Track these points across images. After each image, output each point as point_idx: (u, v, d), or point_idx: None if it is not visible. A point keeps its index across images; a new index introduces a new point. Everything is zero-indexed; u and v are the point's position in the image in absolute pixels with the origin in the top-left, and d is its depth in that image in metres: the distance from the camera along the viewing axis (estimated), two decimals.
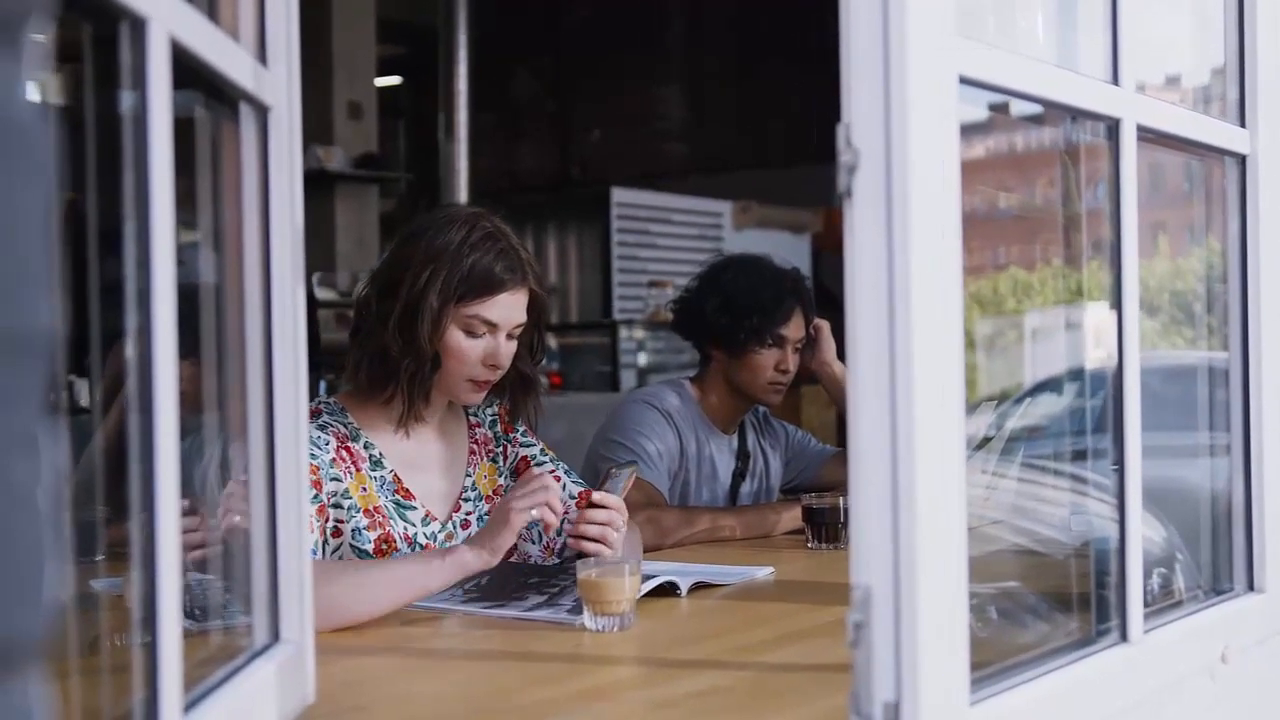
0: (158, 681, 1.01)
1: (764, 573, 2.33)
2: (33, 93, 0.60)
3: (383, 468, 2.20)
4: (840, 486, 2.91)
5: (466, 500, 2.31)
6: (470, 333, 2.17)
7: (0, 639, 0.54)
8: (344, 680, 1.60)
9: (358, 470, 2.17)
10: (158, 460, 1.01)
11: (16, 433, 0.55)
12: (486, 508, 2.32)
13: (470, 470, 2.33)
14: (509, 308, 2.19)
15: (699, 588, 2.16)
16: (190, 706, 1.10)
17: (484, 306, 2.16)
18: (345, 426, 2.20)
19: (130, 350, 1.02)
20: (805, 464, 3.21)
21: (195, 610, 1.35)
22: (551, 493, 2.00)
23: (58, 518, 0.59)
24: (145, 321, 1.01)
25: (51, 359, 0.59)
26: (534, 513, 1.97)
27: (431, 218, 2.23)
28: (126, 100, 1.02)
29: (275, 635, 1.37)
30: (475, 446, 2.36)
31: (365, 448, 2.20)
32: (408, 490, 2.22)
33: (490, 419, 2.40)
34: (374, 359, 2.18)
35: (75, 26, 0.97)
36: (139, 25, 1.00)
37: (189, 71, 1.12)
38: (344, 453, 2.16)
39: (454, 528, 2.27)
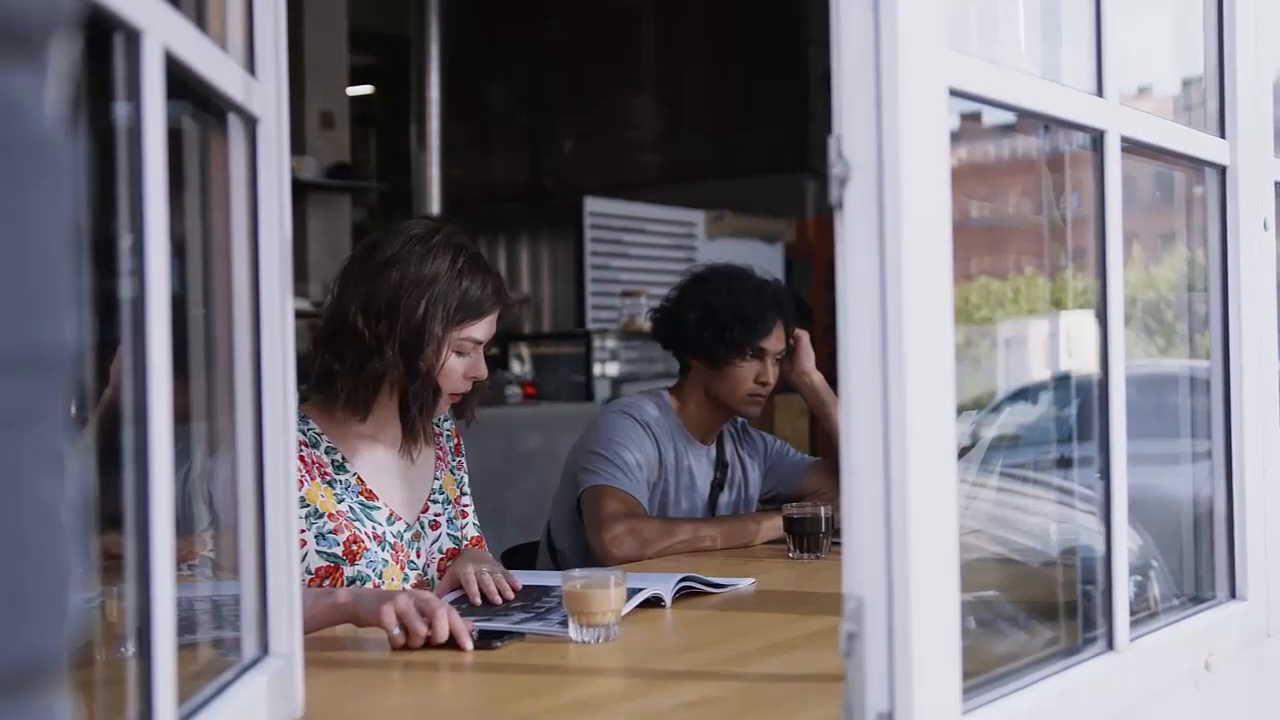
0: (152, 695, 1.01)
1: (746, 583, 2.33)
2: (57, 106, 0.59)
3: (346, 471, 2.25)
4: (819, 496, 2.92)
5: (435, 502, 2.37)
6: (460, 353, 2.25)
7: (28, 656, 0.54)
8: (332, 694, 1.59)
9: (313, 479, 2.20)
10: (151, 473, 1.00)
11: (43, 449, 0.55)
12: (453, 511, 2.40)
13: (438, 474, 2.40)
14: (492, 324, 2.30)
15: (685, 594, 2.17)
16: None
17: (477, 328, 2.26)
18: (304, 433, 2.23)
19: (124, 362, 1.01)
20: (784, 474, 3.21)
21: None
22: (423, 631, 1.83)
23: (80, 534, 0.58)
24: (139, 333, 1.01)
25: (72, 375, 0.58)
26: (395, 631, 1.81)
27: (404, 239, 2.23)
28: (120, 111, 1.02)
29: (265, 649, 1.36)
30: (440, 453, 2.43)
31: (327, 453, 2.24)
32: (371, 491, 2.26)
33: (446, 434, 2.47)
34: (372, 383, 2.22)
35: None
36: (134, 37, 1.00)
37: (178, 82, 1.11)
38: (299, 460, 2.18)
39: (422, 527, 2.33)
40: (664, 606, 2.10)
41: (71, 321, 0.59)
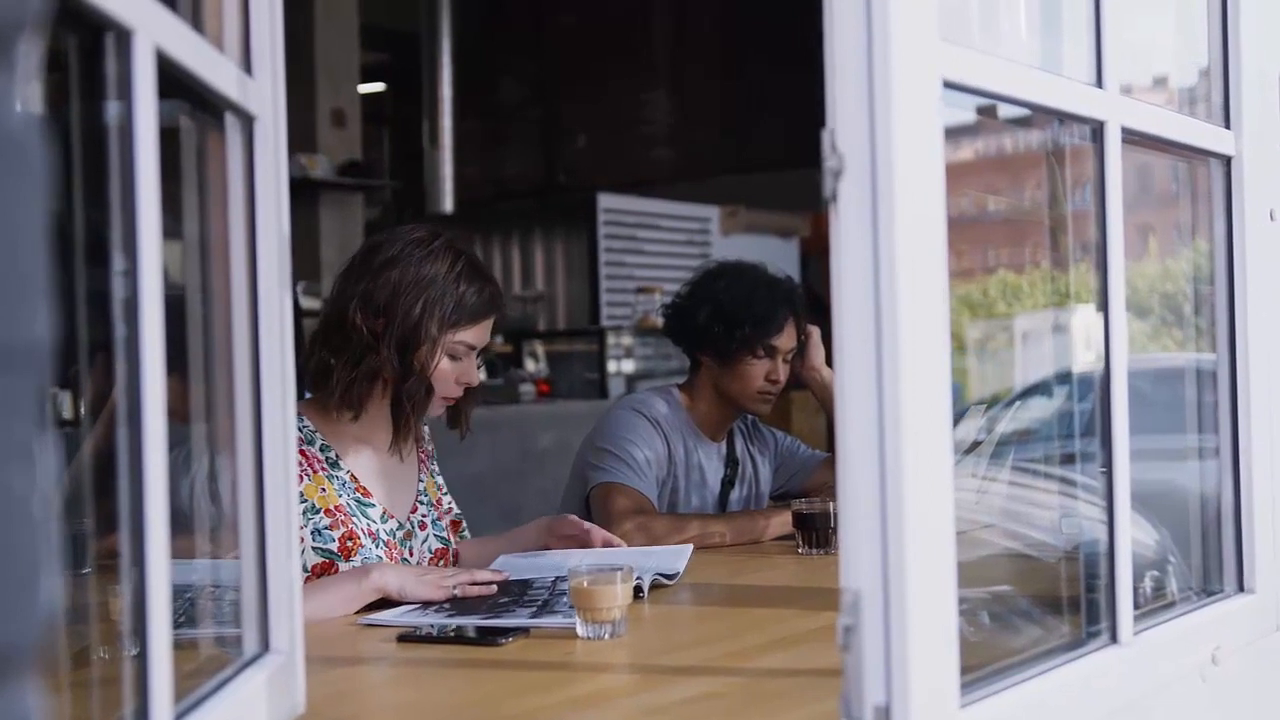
0: (148, 692, 1.01)
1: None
2: (26, 104, 0.60)
3: (340, 469, 2.29)
4: (830, 491, 2.91)
5: (422, 503, 2.42)
6: (453, 357, 2.30)
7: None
8: (333, 691, 1.59)
9: (315, 473, 2.25)
10: (146, 472, 1.01)
11: (14, 443, 0.56)
12: (436, 514, 2.45)
13: (421, 477, 2.45)
14: (485, 331, 2.34)
15: (663, 589, 2.20)
16: (181, 717, 1.10)
17: (470, 333, 2.30)
18: (300, 431, 2.26)
19: (118, 362, 1.02)
20: (794, 470, 3.20)
21: (179, 619, 1.35)
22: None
23: (52, 527, 0.59)
24: (132, 332, 1.01)
25: (46, 370, 0.59)
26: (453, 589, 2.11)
27: (405, 242, 2.29)
28: (112, 110, 1.02)
29: (265, 645, 1.36)
30: (423, 456, 2.48)
31: (321, 450, 2.29)
32: (365, 489, 2.31)
33: (425, 439, 2.52)
34: (366, 380, 2.26)
35: (59, 36, 0.97)
36: (124, 36, 1.00)
37: (173, 81, 1.12)
38: (298, 457, 2.20)
39: (413, 527, 2.38)
40: (643, 598, 2.10)
41: (44, 318, 0.59)
